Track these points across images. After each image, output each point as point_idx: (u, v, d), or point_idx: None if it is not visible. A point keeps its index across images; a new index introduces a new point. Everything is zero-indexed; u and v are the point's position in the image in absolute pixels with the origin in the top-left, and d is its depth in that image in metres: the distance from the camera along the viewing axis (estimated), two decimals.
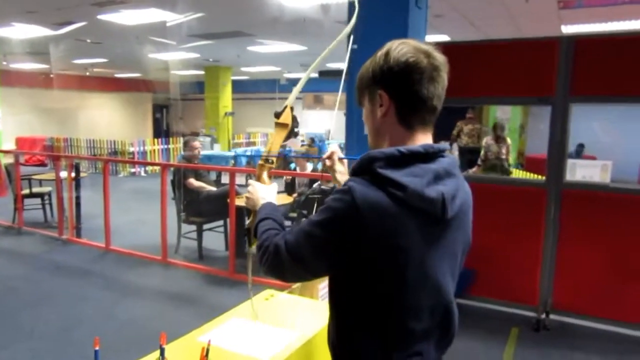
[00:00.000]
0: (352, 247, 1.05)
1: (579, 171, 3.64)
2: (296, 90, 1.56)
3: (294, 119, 1.58)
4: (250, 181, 1.44)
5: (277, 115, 1.46)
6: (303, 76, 1.59)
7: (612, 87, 3.52)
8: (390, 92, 1.11)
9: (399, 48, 1.10)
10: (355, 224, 1.03)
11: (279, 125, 1.48)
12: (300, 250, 1.12)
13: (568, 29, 7.18)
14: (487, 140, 7.42)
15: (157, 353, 1.31)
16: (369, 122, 1.20)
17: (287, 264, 1.14)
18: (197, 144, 5.72)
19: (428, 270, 1.10)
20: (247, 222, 1.47)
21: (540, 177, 5.62)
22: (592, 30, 7.13)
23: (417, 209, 1.05)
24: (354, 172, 1.11)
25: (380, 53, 1.13)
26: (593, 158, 8.28)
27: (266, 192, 1.40)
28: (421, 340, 1.14)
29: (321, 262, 1.12)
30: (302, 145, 10.12)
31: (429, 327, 1.14)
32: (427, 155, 1.10)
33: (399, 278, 1.08)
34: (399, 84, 1.10)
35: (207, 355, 1.21)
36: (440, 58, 1.12)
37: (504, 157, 7.24)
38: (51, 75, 14.47)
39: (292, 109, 1.50)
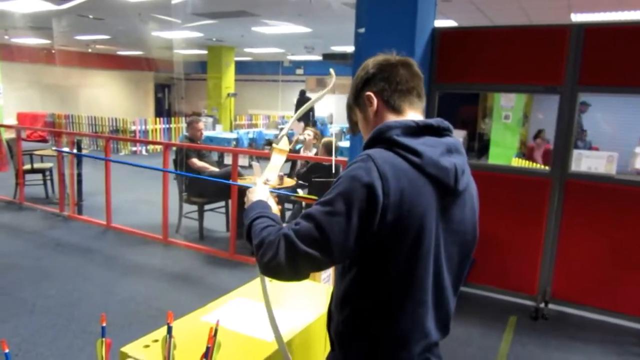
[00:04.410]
0: (378, 213, 1.03)
1: (584, 162, 3.62)
2: (291, 121, 1.75)
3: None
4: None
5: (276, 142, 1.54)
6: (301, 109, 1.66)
7: (621, 77, 3.48)
8: (374, 89, 1.22)
9: (372, 59, 1.25)
10: (380, 187, 1.03)
11: (278, 150, 1.54)
12: (319, 233, 1.04)
13: (577, 17, 7.09)
14: None
15: (163, 330, 1.31)
16: (365, 126, 1.26)
17: (301, 255, 1.04)
18: (200, 124, 5.70)
19: (435, 240, 1.11)
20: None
21: (542, 166, 5.61)
22: (601, 19, 7.05)
23: (433, 177, 1.09)
24: (368, 144, 1.15)
25: (359, 70, 1.27)
26: (596, 149, 8.27)
27: (259, 193, 1.35)
28: (425, 315, 1.13)
29: (347, 238, 1.04)
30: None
31: (431, 302, 1.14)
32: (438, 130, 1.16)
33: (414, 246, 1.07)
34: (378, 79, 1.21)
35: (215, 335, 1.21)
36: (409, 59, 1.25)
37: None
38: (53, 51, 14.36)
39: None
